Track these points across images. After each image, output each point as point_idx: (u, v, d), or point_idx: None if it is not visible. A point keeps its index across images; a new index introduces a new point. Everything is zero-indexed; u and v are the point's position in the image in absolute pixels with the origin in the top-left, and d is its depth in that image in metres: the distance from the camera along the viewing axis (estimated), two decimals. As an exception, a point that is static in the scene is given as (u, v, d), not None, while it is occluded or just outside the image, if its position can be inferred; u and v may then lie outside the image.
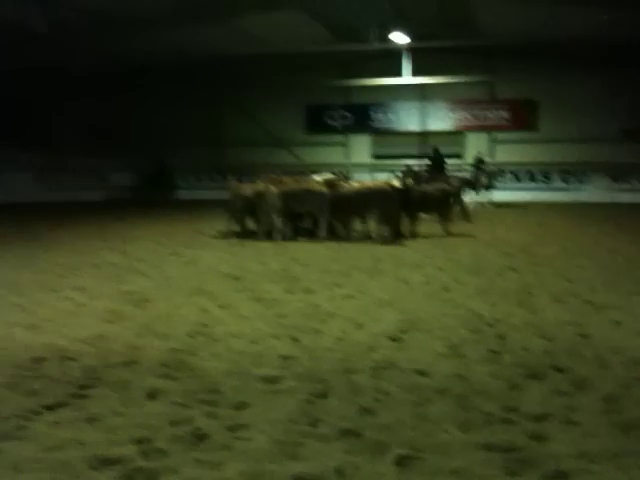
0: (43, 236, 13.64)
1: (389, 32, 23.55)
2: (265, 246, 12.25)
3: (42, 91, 26.88)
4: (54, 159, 27.16)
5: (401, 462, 3.29)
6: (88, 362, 4.89)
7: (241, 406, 4.01)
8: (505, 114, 28.79)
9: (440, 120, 29.44)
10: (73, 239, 13.21)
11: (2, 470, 3.20)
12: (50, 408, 3.96)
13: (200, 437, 3.55)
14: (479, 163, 24.87)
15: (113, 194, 29.04)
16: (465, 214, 16.00)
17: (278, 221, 13.20)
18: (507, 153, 28.71)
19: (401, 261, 10.10)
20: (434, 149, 23.97)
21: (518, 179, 28.48)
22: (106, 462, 3.26)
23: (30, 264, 9.82)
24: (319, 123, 30.79)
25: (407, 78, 25.37)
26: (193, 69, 27.01)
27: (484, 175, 24.25)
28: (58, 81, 26.45)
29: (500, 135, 29.15)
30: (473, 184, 23.30)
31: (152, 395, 4.18)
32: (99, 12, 19.40)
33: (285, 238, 12.99)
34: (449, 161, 26.13)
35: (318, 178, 14.69)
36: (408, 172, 17.56)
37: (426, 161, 23.89)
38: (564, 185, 28.08)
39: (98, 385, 4.39)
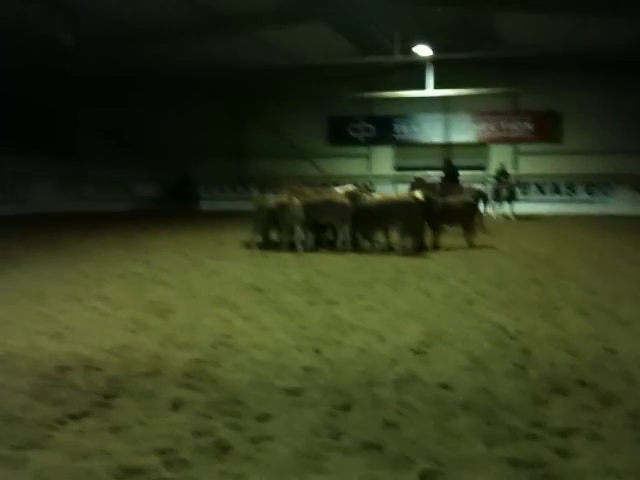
0: (68, 246, 13.79)
1: (412, 45, 23.60)
2: (287, 257, 12.28)
3: (67, 102, 27.26)
4: (79, 170, 27.52)
5: (425, 476, 3.26)
6: (112, 372, 4.92)
7: (264, 417, 4.01)
8: (529, 126, 28.65)
9: (463, 132, 29.39)
10: (97, 249, 13.34)
11: (27, 478, 3.23)
12: (75, 417, 3.99)
13: (223, 448, 3.55)
14: (501, 175, 24.78)
15: (137, 205, 29.34)
16: (482, 226, 15.91)
17: (300, 232, 13.24)
18: (531, 165, 28.55)
19: (423, 273, 10.06)
20: (446, 161, 23.85)
21: (542, 191, 28.27)
22: (130, 472, 3.27)
23: (55, 274, 9.92)
24: (341, 135, 30.88)
25: (430, 90, 25.35)
26: (216, 81, 27.25)
27: (506, 187, 24.14)
28: (83, 92, 26.82)
29: (524, 147, 29.01)
30: (486, 196, 23.31)
31: (175, 405, 4.20)
32: (126, 24, 19.69)
33: (307, 249, 13.00)
34: (472, 173, 26.08)
35: (340, 190, 14.71)
36: (417, 183, 17.38)
37: (440, 173, 23.77)
38: (588, 197, 27.83)
39: (122, 395, 4.41)
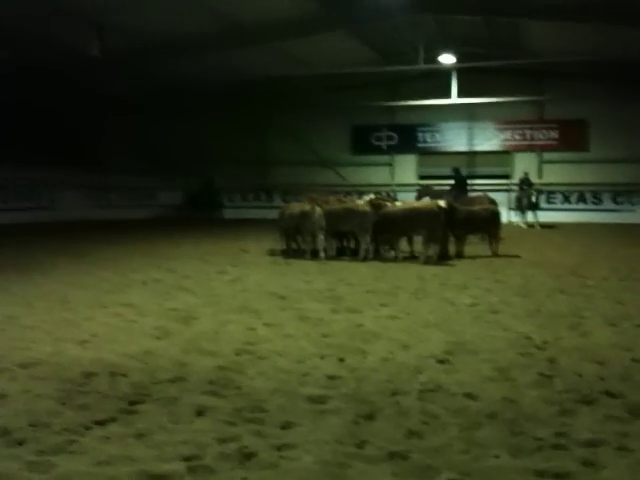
0: (92, 253, 13.92)
1: (436, 53, 23.56)
2: (310, 265, 12.28)
3: (93, 113, 27.60)
4: (103, 178, 27.84)
5: (450, 487, 3.24)
6: (137, 378, 4.95)
7: (287, 425, 4.00)
8: (554, 134, 28.41)
9: (487, 140, 29.23)
10: (121, 256, 13.46)
11: (53, 483, 3.25)
12: (100, 423, 4.01)
13: (247, 455, 3.55)
14: (524, 183, 24.60)
15: (161, 212, 29.57)
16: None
17: (322, 240, 13.28)
18: (556, 173, 28.29)
19: (447, 282, 10.01)
20: (455, 169, 23.61)
21: (568, 200, 27.99)
22: (154, 478, 3.28)
23: (79, 281, 10.02)
24: (365, 143, 30.87)
25: (454, 98, 25.26)
26: (240, 90, 27.39)
27: (529, 195, 23.96)
28: (108, 103, 27.14)
29: (549, 155, 28.76)
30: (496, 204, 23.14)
31: (200, 412, 4.21)
32: (147, 36, 19.89)
33: (328, 257, 13.01)
34: (496, 181, 25.96)
35: (364, 199, 14.71)
36: (424, 192, 17.19)
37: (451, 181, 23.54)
38: (615, 206, 27.46)
39: (147, 401, 4.44)
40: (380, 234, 12.82)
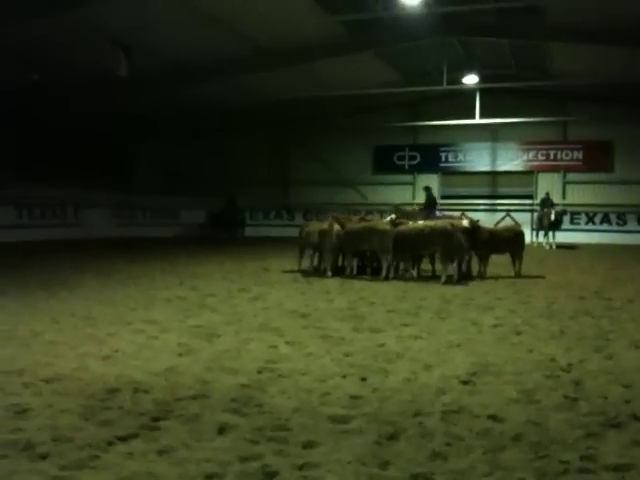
0: (116, 270, 14.04)
1: (460, 74, 23.61)
2: (331, 284, 12.27)
3: (118, 133, 27.99)
4: (128, 197, 28.18)
5: (474, 510, 3.19)
6: (159, 394, 4.96)
7: (310, 445, 3.98)
8: (578, 155, 28.26)
9: (510, 160, 29.16)
10: (145, 274, 13.55)
11: (76, 498, 3.26)
12: (123, 439, 4.02)
13: (269, 475, 3.53)
14: (546, 204, 24.45)
15: (184, 231, 29.81)
16: None
17: (348, 259, 13.36)
18: (580, 194, 28.12)
19: (470, 302, 9.93)
20: (426, 188, 23.33)
21: (592, 220, 27.74)
22: (177, 495, 3.27)
23: (103, 297, 10.11)
24: (387, 163, 30.97)
25: (477, 119, 25.26)
26: (263, 111, 27.63)
27: (549, 216, 23.78)
28: (133, 124, 27.51)
29: (573, 176, 28.59)
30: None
31: (222, 430, 4.20)
32: (173, 59, 20.17)
33: (336, 274, 13.01)
34: (519, 201, 25.85)
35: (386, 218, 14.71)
36: (397, 212, 16.91)
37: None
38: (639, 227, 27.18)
39: (169, 418, 4.43)
40: (396, 253, 12.78)
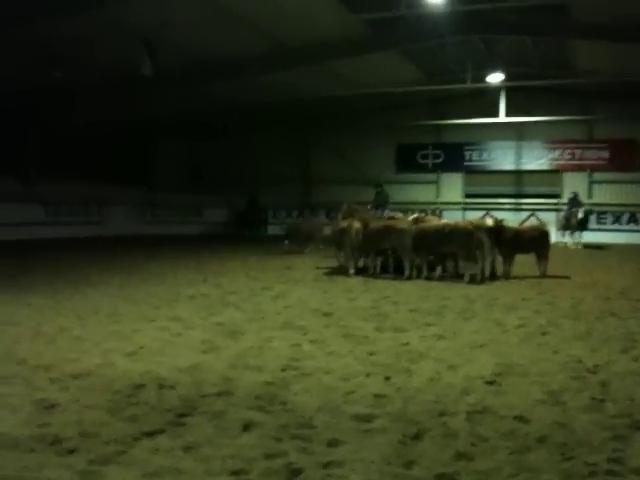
0: (140, 267, 14.16)
1: (484, 72, 23.43)
2: (353, 282, 12.26)
3: (142, 132, 28.21)
4: (152, 195, 28.41)
5: (500, 511, 3.17)
6: (185, 391, 5.00)
7: (334, 443, 3.98)
8: (604, 154, 27.90)
9: (535, 159, 28.89)
10: (169, 271, 13.65)
11: (103, 493, 3.29)
12: (149, 435, 4.05)
13: (294, 472, 3.54)
14: (573, 203, 24.18)
15: (207, 229, 29.97)
16: None
17: (370, 258, 13.35)
18: (607, 193, 27.79)
19: (495, 302, 9.85)
20: (377, 185, 22.67)
21: (618, 220, 27.40)
22: (202, 491, 3.30)
23: (128, 294, 10.20)
24: (410, 162, 30.83)
25: (502, 117, 25.06)
26: (286, 109, 27.65)
27: (576, 216, 23.53)
28: (158, 123, 27.69)
29: (599, 175, 28.25)
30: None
31: (246, 427, 4.22)
32: (195, 57, 20.25)
33: (355, 273, 12.99)
34: (544, 200, 25.67)
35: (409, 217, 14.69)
36: (348, 211, 16.71)
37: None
38: (667, 227, 26.81)
39: (194, 414, 4.47)
40: (416, 251, 12.72)
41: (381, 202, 20.93)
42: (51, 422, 4.27)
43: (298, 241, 18.43)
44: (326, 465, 3.64)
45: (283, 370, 5.68)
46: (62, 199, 24.16)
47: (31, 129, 22.97)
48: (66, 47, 17.86)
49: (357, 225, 13.42)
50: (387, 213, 17.49)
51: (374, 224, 13.60)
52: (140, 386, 5.10)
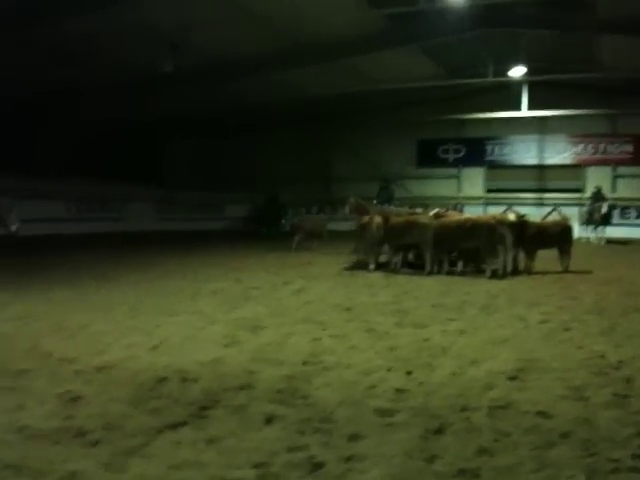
0: (161, 263, 14.26)
1: (506, 66, 23.23)
2: (374, 278, 12.24)
3: (161, 130, 28.37)
4: (171, 192, 28.61)
5: (523, 506, 3.15)
6: (207, 384, 5.03)
7: (355, 437, 3.98)
8: (629, 148, 27.56)
9: (558, 154, 28.61)
10: (189, 266, 13.73)
11: (127, 485, 3.33)
12: (172, 427, 4.09)
13: (316, 466, 3.55)
14: (597, 198, 23.94)
15: (227, 225, 30.12)
16: None
17: (391, 253, 13.32)
18: (631, 188, 27.45)
19: (517, 297, 9.79)
20: (383, 180, 22.36)
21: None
22: (225, 484, 3.32)
23: (149, 288, 10.28)
24: (431, 157, 30.70)
25: (523, 111, 24.84)
26: (305, 106, 27.63)
27: (600, 210, 23.30)
28: (176, 121, 27.81)
29: (623, 169, 27.93)
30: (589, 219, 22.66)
31: (268, 420, 4.24)
32: (213, 56, 20.28)
33: (375, 268, 12.96)
34: (567, 195, 25.43)
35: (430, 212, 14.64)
36: (354, 205, 16.56)
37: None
38: (692, 222, 26.44)
39: (216, 407, 4.49)
40: (437, 246, 12.66)
41: (386, 198, 20.72)
42: (75, 414, 4.32)
43: (301, 238, 18.42)
44: (348, 459, 3.65)
45: (304, 364, 5.69)
46: (83, 196, 24.40)
47: (52, 127, 23.21)
48: (80, 47, 17.97)
49: (378, 220, 13.41)
50: (394, 209, 17.33)
51: (395, 219, 13.55)
52: (163, 379, 5.14)
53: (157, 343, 6.41)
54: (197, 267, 13.59)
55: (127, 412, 4.39)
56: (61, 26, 16.50)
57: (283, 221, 30.77)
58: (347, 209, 16.43)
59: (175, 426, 4.10)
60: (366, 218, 13.84)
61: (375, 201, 18.68)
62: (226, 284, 10.98)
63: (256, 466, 3.53)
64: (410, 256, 14.00)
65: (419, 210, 16.55)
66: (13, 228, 10.43)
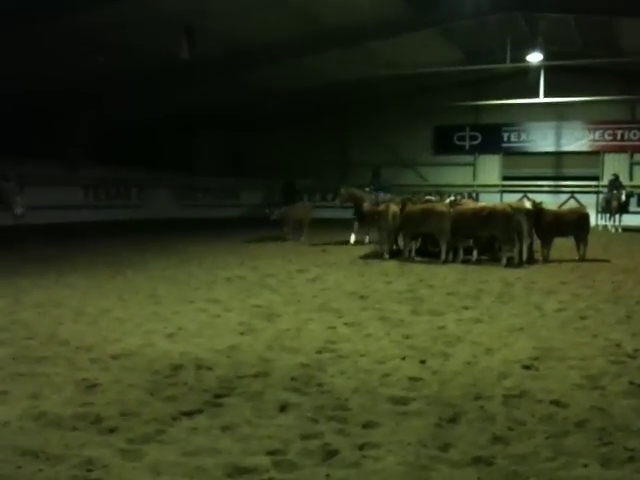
0: (178, 250, 14.33)
1: (524, 52, 22.96)
2: (389, 266, 12.24)
3: (181, 119, 28.37)
4: (190, 179, 28.68)
5: (537, 495, 3.16)
6: (222, 372, 5.07)
7: (370, 425, 4.00)
8: (647, 135, 27.23)
9: (576, 140, 28.29)
10: (207, 253, 13.80)
11: (144, 471, 3.36)
12: (187, 414, 4.13)
13: (330, 453, 3.57)
14: (614, 186, 23.69)
15: (244, 212, 30.18)
16: None
17: (406, 242, 13.31)
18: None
19: (533, 286, 9.75)
20: (375, 167, 22.00)
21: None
22: (240, 471, 3.34)
23: (167, 276, 10.35)
24: (447, 144, 30.48)
25: (541, 97, 24.57)
26: (322, 92, 27.50)
27: (619, 198, 23.06)
28: (195, 109, 27.80)
29: (641, 157, 27.60)
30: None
31: (283, 408, 4.27)
32: (231, 43, 20.20)
33: (390, 256, 12.94)
34: (584, 182, 25.22)
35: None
36: (347, 194, 16.43)
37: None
38: None
39: (232, 394, 4.53)
40: (453, 234, 12.60)
41: (379, 186, 20.48)
42: (93, 401, 4.37)
43: (290, 227, 17.90)
44: (362, 446, 3.67)
45: (319, 352, 5.72)
46: (103, 183, 24.54)
47: (71, 115, 23.31)
48: (106, 34, 17.96)
49: (394, 208, 13.37)
50: (387, 197, 17.13)
51: (412, 207, 13.50)
52: (179, 367, 5.19)
53: (173, 331, 6.47)
54: (214, 254, 13.66)
55: (143, 399, 4.44)
56: (85, 13, 16.53)
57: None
58: (338, 200, 16.44)
59: (191, 413, 4.14)
60: (382, 206, 13.80)
61: (368, 189, 18.52)
62: (242, 272, 11.03)
63: (271, 453, 3.56)
64: (418, 244, 13.95)
65: (434, 198, 16.44)
66: (18, 212, 10.63)
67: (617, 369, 5.28)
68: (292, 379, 4.90)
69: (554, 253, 13.07)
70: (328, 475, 3.30)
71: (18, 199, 10.72)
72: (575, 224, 13.23)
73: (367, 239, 16.33)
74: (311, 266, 11.96)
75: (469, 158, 30.57)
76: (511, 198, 22.63)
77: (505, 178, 29.71)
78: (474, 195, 27.54)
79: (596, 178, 27.81)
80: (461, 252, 12.74)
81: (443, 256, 12.59)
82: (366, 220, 15.21)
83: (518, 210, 12.45)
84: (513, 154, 29.67)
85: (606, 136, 27.90)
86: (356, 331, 6.60)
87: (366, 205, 15.61)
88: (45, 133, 22.67)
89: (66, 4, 15.53)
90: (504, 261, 12.12)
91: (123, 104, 24.23)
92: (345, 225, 17.97)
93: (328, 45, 21.26)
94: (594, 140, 28.11)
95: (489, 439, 3.80)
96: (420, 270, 11.62)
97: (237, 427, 3.93)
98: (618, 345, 6.03)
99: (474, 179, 30.25)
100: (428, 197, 16.74)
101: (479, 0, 18.36)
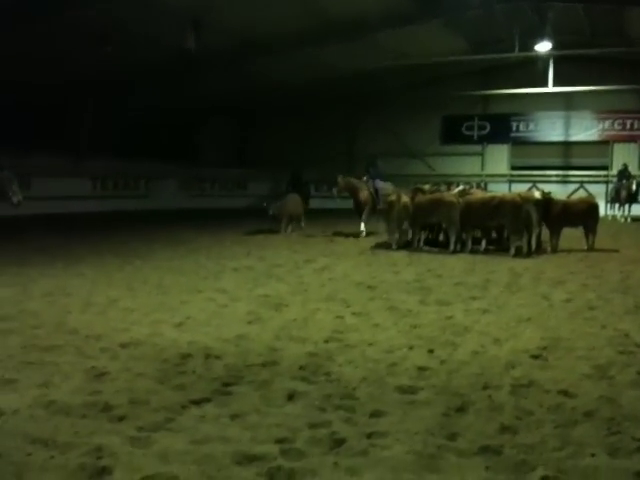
0: (186, 240, 14.35)
1: (532, 41, 22.79)
2: (397, 256, 12.22)
3: (188, 111, 28.37)
4: (197, 170, 28.68)
5: (546, 483, 3.16)
6: (230, 360, 5.09)
7: (377, 414, 4.01)
8: (657, 124, 27.03)
9: (585, 130, 28.10)
10: (214, 244, 13.82)
11: (153, 459, 3.38)
12: (196, 403, 4.15)
13: (337, 442, 3.58)
14: (624, 175, 23.56)
15: (251, 202, 30.19)
16: None
17: (415, 232, 13.30)
18: (658, 166, 26.92)
19: (541, 276, 9.72)
20: (371, 157, 21.78)
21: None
22: (249, 458, 3.36)
23: (175, 266, 10.38)
24: (455, 133, 30.34)
25: (549, 87, 24.41)
26: (330, 84, 27.40)
27: (629, 188, 22.93)
28: (202, 100, 27.77)
29: (651, 146, 27.39)
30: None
31: (291, 396, 4.29)
32: (238, 35, 20.14)
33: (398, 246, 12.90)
34: (593, 172, 25.05)
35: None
36: (344, 183, 16.33)
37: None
38: None
39: (240, 383, 4.55)
40: (463, 224, 12.57)
41: (376, 174, 20.33)
42: (102, 390, 4.40)
43: (288, 221, 17.58)
44: (369, 435, 3.68)
45: (327, 342, 5.73)
46: (110, 173, 24.58)
47: (79, 106, 23.34)
48: (117, 28, 17.93)
49: (405, 199, 13.33)
50: (386, 185, 17.03)
51: (421, 197, 13.45)
52: (187, 356, 5.21)
53: (182, 320, 6.49)
54: (222, 244, 13.68)
55: (152, 388, 4.46)
56: (96, 8, 16.53)
57: (306, 198, 30.76)
58: (335, 191, 16.41)
59: (199, 402, 4.17)
60: (393, 196, 13.75)
61: (365, 178, 18.46)
62: (250, 262, 11.05)
63: (279, 441, 3.57)
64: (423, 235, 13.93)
65: (442, 188, 16.40)
66: (14, 200, 10.76)
67: (625, 359, 5.26)
68: (300, 368, 4.91)
69: (563, 243, 13.03)
70: (336, 463, 3.31)
71: (14, 188, 10.82)
72: (584, 214, 13.17)
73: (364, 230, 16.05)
74: (319, 256, 11.96)
75: (477, 148, 30.43)
76: (520, 188, 22.53)
77: (514, 168, 29.58)
78: (482, 185, 27.40)
79: (605, 168, 27.64)
80: (469, 242, 12.71)
81: (451, 246, 12.57)
82: (374, 210, 15.22)
83: (527, 200, 12.41)
84: (522, 144, 29.52)
85: (615, 126, 27.71)
86: (364, 321, 6.61)
87: (363, 194, 15.71)
88: (53, 126, 22.72)
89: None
90: (512, 251, 12.09)
91: (130, 96, 24.23)
92: (352, 216, 17.91)
93: (334, 37, 21.17)
94: (603, 130, 27.92)
95: (497, 428, 3.80)
96: (428, 260, 11.61)
97: (245, 415, 3.95)
98: (627, 335, 6.02)
99: (482, 169, 30.12)
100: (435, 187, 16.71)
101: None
